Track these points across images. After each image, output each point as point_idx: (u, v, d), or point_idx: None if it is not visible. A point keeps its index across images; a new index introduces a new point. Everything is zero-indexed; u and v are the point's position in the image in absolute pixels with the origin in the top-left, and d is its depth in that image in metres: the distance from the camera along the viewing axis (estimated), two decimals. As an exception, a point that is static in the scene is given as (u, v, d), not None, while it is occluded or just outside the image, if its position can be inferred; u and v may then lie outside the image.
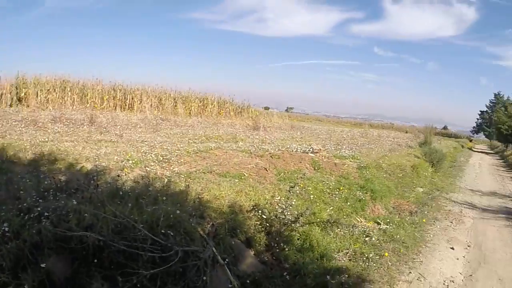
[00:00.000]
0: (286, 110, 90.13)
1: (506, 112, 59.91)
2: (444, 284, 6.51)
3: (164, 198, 5.20)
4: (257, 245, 5.87)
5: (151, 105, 26.80)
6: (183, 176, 7.10)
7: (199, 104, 30.29)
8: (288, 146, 13.01)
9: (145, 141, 10.72)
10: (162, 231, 4.51)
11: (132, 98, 26.57)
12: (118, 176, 6.27)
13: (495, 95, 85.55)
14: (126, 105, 26.09)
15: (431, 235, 9.01)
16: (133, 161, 7.60)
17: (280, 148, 12.19)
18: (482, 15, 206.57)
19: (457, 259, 7.80)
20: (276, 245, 5.96)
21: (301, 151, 12.34)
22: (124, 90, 26.62)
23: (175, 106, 28.10)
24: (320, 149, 13.22)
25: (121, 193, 5.34)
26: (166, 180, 6.50)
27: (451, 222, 10.47)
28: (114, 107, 25.30)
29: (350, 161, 12.56)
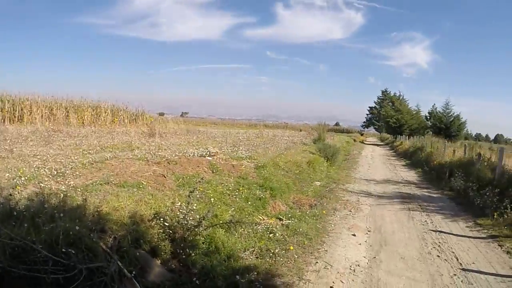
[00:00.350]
0: (181, 115, 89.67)
1: (393, 106, 63.81)
2: (350, 268, 6.77)
3: (62, 214, 4.96)
4: (162, 253, 5.78)
5: (42, 116, 25.56)
6: (79, 190, 6.82)
7: (92, 113, 29.23)
8: (185, 151, 12.91)
9: (37, 155, 10.23)
10: (63, 250, 4.31)
11: (22, 109, 25.14)
12: (11, 195, 5.94)
13: (383, 91, 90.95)
14: (15, 117, 24.74)
15: (333, 225, 9.34)
16: (26, 178, 7.19)
17: (177, 153, 12.06)
18: (369, 20, 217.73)
19: (360, 244, 8.16)
20: (182, 251, 5.90)
21: (198, 155, 12.29)
22: (12, 101, 25.15)
23: (67, 116, 26.95)
24: (217, 152, 13.25)
25: (15, 213, 5.04)
26: (62, 195, 6.22)
27: (350, 211, 10.91)
28: (2, 120, 23.81)
29: (248, 162, 12.68)
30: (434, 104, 60.08)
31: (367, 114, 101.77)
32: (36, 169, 8.16)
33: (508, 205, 10.06)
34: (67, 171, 8.12)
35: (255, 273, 5.78)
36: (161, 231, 6.09)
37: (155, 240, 5.91)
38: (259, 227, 7.92)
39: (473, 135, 78.11)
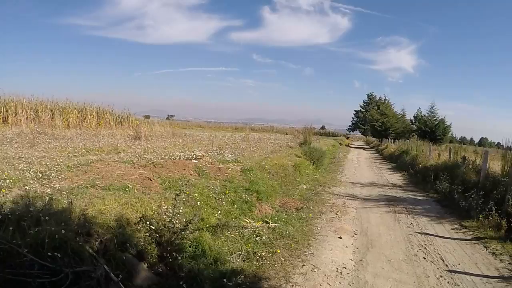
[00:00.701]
0: (167, 118, 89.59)
1: (379, 110, 63.95)
2: (337, 271, 6.82)
3: (47, 218, 4.91)
4: (149, 257, 5.75)
5: (27, 117, 25.17)
6: (65, 193, 6.76)
7: (78, 115, 28.88)
8: (171, 154, 12.89)
9: (22, 157, 10.11)
10: (49, 253, 4.28)
11: (7, 111, 24.69)
12: (-5, 198, 5.91)
13: (368, 95, 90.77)
14: (0, 119, 24.53)
15: (319, 228, 9.37)
16: (11, 180, 7.11)
17: (163, 156, 12.05)
18: (355, 24, 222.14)
19: (346, 247, 8.22)
20: (168, 255, 5.87)
21: (184, 158, 12.27)
22: (-3, 102, 24.88)
23: (53, 118, 26.58)
24: (203, 155, 13.24)
25: (0, 216, 5.02)
26: (47, 198, 6.17)
27: (336, 214, 10.95)
28: (-13, 122, 23.59)
29: (234, 165, 12.68)
30: (419, 108, 60.94)
31: (353, 118, 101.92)
32: (21, 171, 8.09)
33: (492, 207, 10.17)
34: (53, 174, 8.07)
35: (242, 276, 5.80)
36: (148, 234, 6.06)
37: (142, 243, 5.88)
38: (245, 230, 7.94)
39: (458, 139, 78.65)
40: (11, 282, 4.03)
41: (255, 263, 6.58)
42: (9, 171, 7.99)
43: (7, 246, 4.18)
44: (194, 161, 11.93)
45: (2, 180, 7.03)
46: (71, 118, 28.13)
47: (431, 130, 52.36)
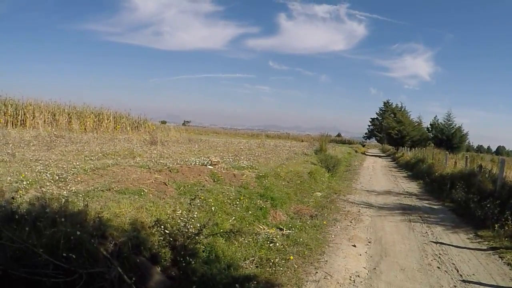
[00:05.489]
0: (184, 124, 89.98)
1: (395, 118, 63.75)
2: (350, 279, 6.78)
3: (63, 219, 4.95)
4: (163, 261, 5.77)
5: (45, 121, 25.42)
6: (81, 195, 6.82)
7: (95, 119, 29.09)
8: (186, 160, 12.93)
9: (40, 160, 10.24)
10: (64, 254, 4.32)
11: (25, 114, 24.93)
12: (13, 198, 5.94)
13: (385, 103, 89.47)
14: (18, 121, 24.59)
15: (333, 236, 9.33)
16: (28, 182, 7.20)
17: (178, 162, 12.08)
18: (371, 32, 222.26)
19: (360, 255, 8.16)
20: (182, 259, 5.89)
21: (200, 164, 12.31)
22: (15, 105, 24.94)
23: (70, 121, 26.84)
24: (219, 161, 13.25)
25: (17, 216, 5.04)
26: (63, 200, 6.21)
27: (351, 222, 10.88)
28: (5, 124, 23.62)
29: (249, 171, 12.69)
30: (436, 116, 60.66)
31: (369, 126, 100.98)
32: (38, 173, 8.17)
33: (509, 217, 10.05)
34: (69, 177, 8.14)
35: (255, 282, 5.80)
36: (162, 238, 6.09)
37: (156, 247, 5.90)
38: (259, 236, 7.93)
39: (475, 147, 78.28)
40: (26, 280, 4.08)
41: (268, 269, 6.56)
42: (26, 172, 8.10)
43: (23, 245, 4.23)
44: (210, 167, 11.97)
45: (19, 182, 7.13)
46: (88, 122, 28.33)
47: (447, 138, 52.21)
